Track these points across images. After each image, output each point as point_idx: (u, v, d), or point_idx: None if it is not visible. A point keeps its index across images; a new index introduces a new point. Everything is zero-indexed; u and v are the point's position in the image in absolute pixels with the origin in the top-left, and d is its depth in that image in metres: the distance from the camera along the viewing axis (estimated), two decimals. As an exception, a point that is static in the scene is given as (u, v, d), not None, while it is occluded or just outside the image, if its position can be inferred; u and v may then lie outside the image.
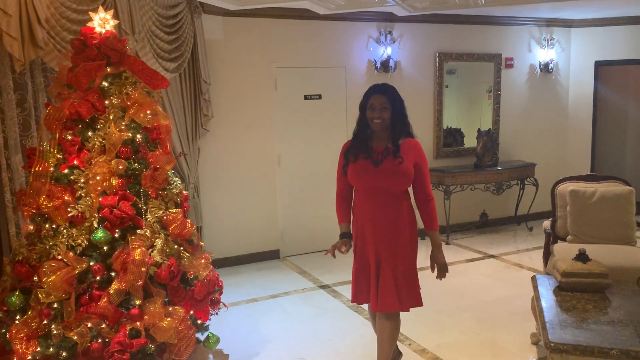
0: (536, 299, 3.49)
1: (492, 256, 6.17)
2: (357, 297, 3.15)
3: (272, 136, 6.10)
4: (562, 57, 7.60)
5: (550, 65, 7.50)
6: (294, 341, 4.08)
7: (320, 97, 6.28)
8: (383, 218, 3.05)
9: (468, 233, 7.24)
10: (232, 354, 3.88)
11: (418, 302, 3.19)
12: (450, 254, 6.30)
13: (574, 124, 7.79)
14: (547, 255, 4.55)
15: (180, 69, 5.03)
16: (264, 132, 6.03)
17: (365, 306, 3.62)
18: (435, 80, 6.97)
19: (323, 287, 5.30)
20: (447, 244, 6.71)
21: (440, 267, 3.19)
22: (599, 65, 7.53)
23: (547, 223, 4.69)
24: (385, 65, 6.52)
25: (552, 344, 2.81)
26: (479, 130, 7.02)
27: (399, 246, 3.07)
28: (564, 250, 4.17)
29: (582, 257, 3.52)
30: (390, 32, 6.51)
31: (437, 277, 3.20)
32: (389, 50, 6.52)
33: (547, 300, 3.37)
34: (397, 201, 3.06)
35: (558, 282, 3.56)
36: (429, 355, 3.79)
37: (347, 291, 5.14)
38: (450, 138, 7.27)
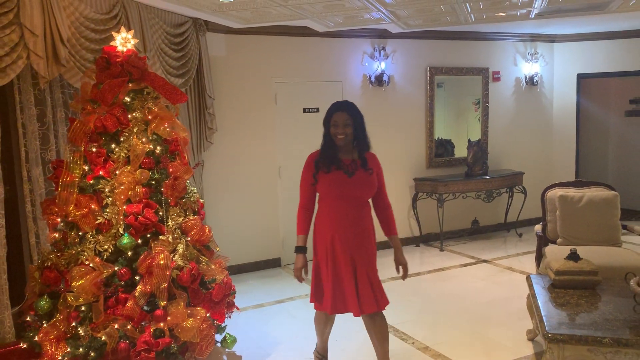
0: (532, 296, 3.74)
1: (485, 261, 6.43)
2: (336, 307, 3.28)
3: (273, 148, 6.32)
4: (546, 70, 7.96)
5: (535, 78, 7.85)
6: (303, 343, 4.28)
7: (318, 110, 6.52)
8: (355, 225, 3.26)
9: (460, 240, 7.51)
10: (245, 355, 4.07)
11: (386, 300, 3.35)
12: (444, 259, 6.58)
13: (559, 134, 8.14)
14: (540, 257, 4.81)
15: (187, 85, 5.24)
16: (265, 144, 6.25)
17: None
18: (427, 93, 7.27)
19: (325, 292, 5.49)
20: (441, 250, 6.97)
21: (404, 267, 3.41)
22: (580, 77, 7.92)
23: (538, 227, 4.96)
24: (379, 80, 6.81)
25: (549, 335, 3.05)
26: (469, 140, 7.32)
27: (369, 250, 3.30)
28: (555, 252, 4.43)
29: (573, 256, 3.78)
30: (383, 48, 6.80)
31: (402, 278, 3.43)
32: (382, 65, 6.81)
33: (542, 297, 3.61)
34: (364, 209, 3.33)
35: (552, 280, 3.81)
36: (431, 352, 4.01)
37: (349, 296, 5.35)
38: (442, 148, 7.56)
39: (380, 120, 6.96)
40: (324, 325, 3.59)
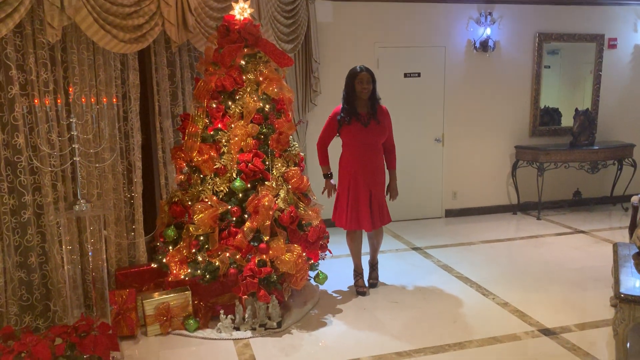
0: (614, 261, 3.82)
1: (582, 232, 6.37)
2: (351, 225, 4.39)
3: (373, 111, 6.63)
4: (671, 37, 7.45)
5: (658, 45, 7.39)
6: (390, 289, 4.67)
7: (419, 75, 6.73)
8: (371, 163, 4.33)
9: (560, 210, 7.41)
10: (335, 293, 4.56)
11: (389, 219, 4.55)
12: (540, 228, 6.61)
13: (681, 106, 7.63)
14: (633, 227, 4.76)
15: (295, 50, 5.69)
16: (366, 107, 6.58)
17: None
18: (534, 60, 7.15)
19: (415, 249, 5.83)
20: (538, 219, 6.96)
21: (394, 192, 4.56)
22: None
23: (635, 198, 4.87)
24: (484, 45, 6.82)
25: (622, 295, 3.18)
26: (576, 109, 7.12)
27: (381, 183, 4.44)
28: (650, 223, 4.39)
29: (661, 225, 3.78)
30: (490, 13, 6.78)
31: (390, 200, 4.57)
32: (488, 31, 6.80)
33: (625, 262, 3.69)
34: (379, 151, 4.39)
35: (638, 248, 3.85)
36: (510, 308, 4.22)
37: (437, 253, 5.66)
38: (547, 117, 7.43)
39: (482, 86, 7.01)
40: (353, 244, 4.62)
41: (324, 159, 4.50)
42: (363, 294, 4.53)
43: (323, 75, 6.25)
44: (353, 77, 4.28)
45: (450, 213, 7.22)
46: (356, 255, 4.66)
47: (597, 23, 7.24)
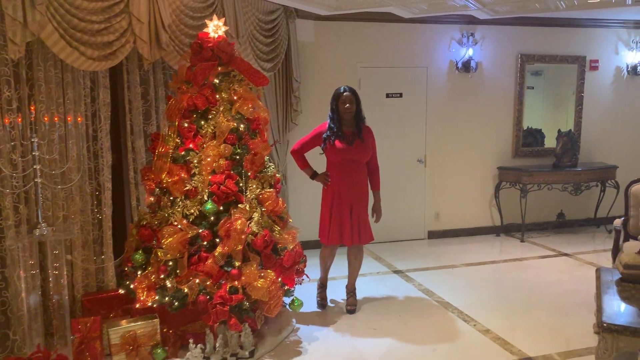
0: (596, 287, 3.71)
1: (566, 254, 6.28)
2: (334, 240, 4.43)
3: (355, 131, 6.54)
4: (652, 59, 7.48)
5: (639, 68, 7.40)
6: (368, 314, 4.52)
7: (401, 95, 6.66)
8: (354, 181, 4.39)
9: (544, 232, 7.34)
10: (313, 321, 4.39)
11: (372, 237, 4.54)
12: (524, 250, 6.51)
13: (663, 128, 7.64)
14: (616, 252, 4.67)
15: (275, 69, 5.60)
16: (348, 127, 6.49)
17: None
18: (517, 81, 7.13)
19: (396, 272, 5.70)
20: (522, 241, 6.87)
21: (377, 214, 4.60)
22: (692, 67, 7.35)
23: (618, 221, 4.81)
24: (466, 66, 6.79)
25: (604, 324, 3.07)
26: (559, 131, 7.10)
27: (363, 200, 4.46)
28: (633, 247, 4.28)
29: (645, 250, 3.69)
30: (472, 34, 6.76)
31: (375, 221, 4.61)
32: (470, 52, 6.78)
33: (607, 289, 3.59)
34: (362, 169, 4.44)
35: (620, 274, 3.75)
36: (492, 335, 4.09)
37: (418, 276, 5.52)
38: (531, 138, 7.39)
39: (465, 107, 6.96)
40: (327, 259, 4.67)
41: (304, 163, 4.56)
42: (323, 307, 4.64)
43: (304, 94, 6.15)
44: (337, 98, 4.37)
45: (433, 234, 7.12)
46: (326, 270, 4.75)
47: (579, 45, 7.26)
